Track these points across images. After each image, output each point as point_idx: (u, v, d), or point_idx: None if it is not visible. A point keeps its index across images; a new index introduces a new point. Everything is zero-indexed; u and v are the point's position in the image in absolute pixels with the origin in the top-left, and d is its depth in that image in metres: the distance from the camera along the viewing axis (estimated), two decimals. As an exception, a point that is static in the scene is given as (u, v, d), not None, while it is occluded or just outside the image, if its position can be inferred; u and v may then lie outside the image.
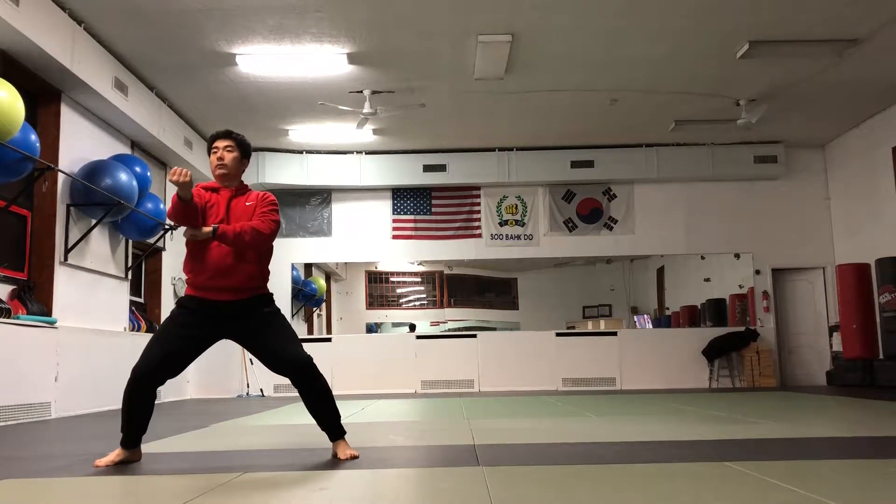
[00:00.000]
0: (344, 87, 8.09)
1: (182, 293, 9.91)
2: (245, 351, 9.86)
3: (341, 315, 14.66)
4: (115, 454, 3.17)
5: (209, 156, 3.37)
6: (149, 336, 8.56)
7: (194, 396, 9.71)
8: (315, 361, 3.23)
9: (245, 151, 3.39)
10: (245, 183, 3.41)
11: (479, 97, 8.52)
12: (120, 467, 3.11)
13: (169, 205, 3.20)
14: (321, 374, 3.24)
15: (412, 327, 13.86)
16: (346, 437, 3.31)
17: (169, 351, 3.15)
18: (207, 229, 3.14)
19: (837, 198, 10.61)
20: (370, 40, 6.99)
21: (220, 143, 3.33)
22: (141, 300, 9.04)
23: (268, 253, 3.35)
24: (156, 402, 3.28)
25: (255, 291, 3.25)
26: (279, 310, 3.33)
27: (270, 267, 3.40)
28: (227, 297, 3.18)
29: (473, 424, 4.82)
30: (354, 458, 3.19)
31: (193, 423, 5.35)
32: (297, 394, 3.23)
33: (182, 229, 3.24)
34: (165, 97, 8.36)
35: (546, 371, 10.35)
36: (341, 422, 3.30)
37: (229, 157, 3.31)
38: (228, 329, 3.23)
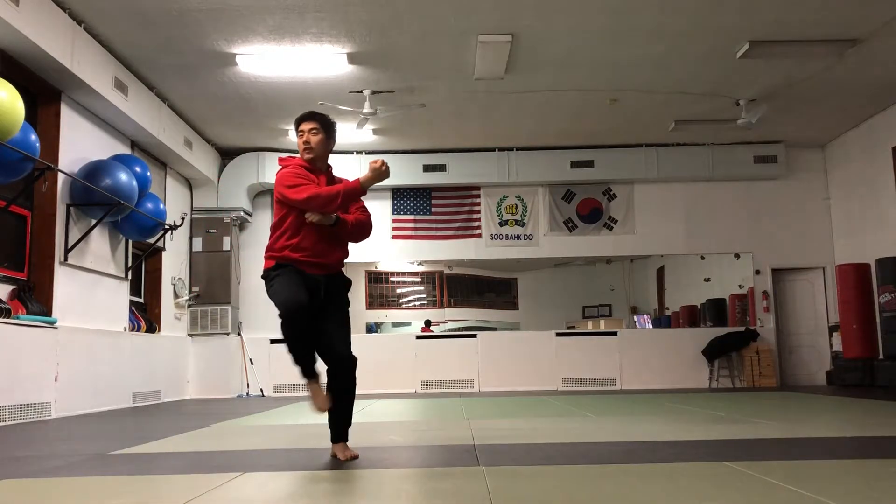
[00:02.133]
0: (344, 87, 8.09)
1: (182, 293, 9.94)
2: (245, 351, 9.90)
3: (341, 315, 14.62)
4: (315, 392, 3.14)
5: (297, 138, 3.36)
6: (149, 336, 8.60)
7: (194, 396, 9.71)
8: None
9: (330, 132, 3.38)
10: (330, 165, 3.43)
11: (479, 97, 8.52)
12: (119, 467, 3.11)
13: (334, 192, 3.18)
14: (355, 379, 3.27)
15: (427, 324, 13.76)
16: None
17: (296, 284, 3.13)
18: (333, 217, 3.20)
19: (837, 198, 10.61)
20: (370, 40, 6.98)
21: (306, 126, 3.33)
22: (141, 300, 9.04)
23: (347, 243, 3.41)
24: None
25: (341, 269, 3.35)
26: (349, 301, 3.38)
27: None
28: (319, 272, 3.23)
29: (473, 424, 4.82)
30: (354, 458, 3.20)
31: (193, 423, 5.34)
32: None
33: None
34: (165, 97, 8.36)
35: (546, 371, 10.35)
36: (349, 428, 3.31)
37: (315, 139, 3.31)
38: (317, 294, 3.20)
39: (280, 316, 3.08)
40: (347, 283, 3.38)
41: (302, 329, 3.13)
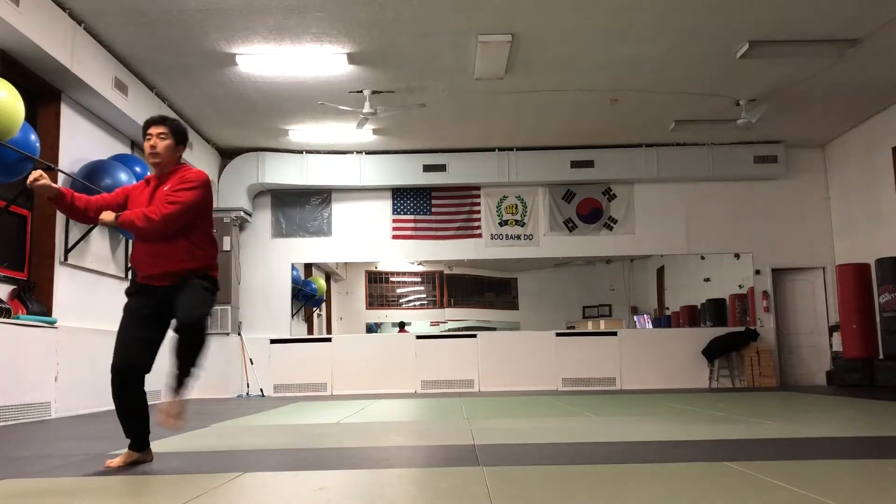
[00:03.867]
0: (344, 87, 8.09)
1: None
2: (245, 351, 9.91)
3: (341, 315, 14.65)
4: (126, 455, 3.14)
5: (145, 142, 3.24)
6: (149, 336, 8.54)
7: (194, 396, 9.70)
8: (206, 322, 3.15)
9: (180, 138, 3.27)
10: (183, 165, 3.27)
11: (479, 97, 8.52)
12: (121, 467, 3.11)
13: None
14: (204, 334, 3.12)
15: (401, 325, 13.76)
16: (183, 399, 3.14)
17: (132, 337, 3.10)
18: (110, 217, 3.09)
19: (837, 198, 10.60)
20: (370, 40, 6.99)
21: (154, 130, 3.22)
22: (141, 300, 9.03)
23: (199, 234, 3.19)
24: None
25: (188, 273, 3.12)
26: (208, 285, 3.18)
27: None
28: (160, 283, 3.11)
29: (473, 424, 4.82)
30: (177, 425, 3.05)
31: (193, 423, 5.34)
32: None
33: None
34: (165, 97, 8.36)
35: (546, 371, 10.35)
36: (186, 380, 3.14)
37: (162, 144, 3.20)
38: (172, 304, 3.11)
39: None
40: (199, 277, 3.15)
41: (126, 394, 3.09)
